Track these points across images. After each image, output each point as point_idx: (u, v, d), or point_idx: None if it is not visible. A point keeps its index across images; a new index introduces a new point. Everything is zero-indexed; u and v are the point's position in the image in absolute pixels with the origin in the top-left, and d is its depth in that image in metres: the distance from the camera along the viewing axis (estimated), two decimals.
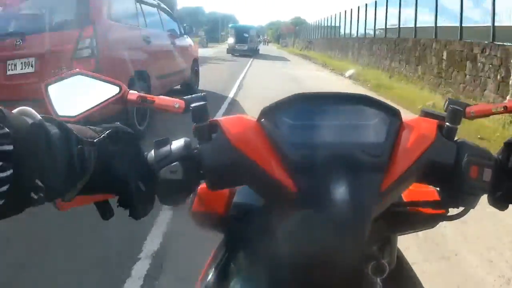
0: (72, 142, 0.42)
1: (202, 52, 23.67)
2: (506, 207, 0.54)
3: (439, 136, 0.52)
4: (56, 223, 2.28)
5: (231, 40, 25.56)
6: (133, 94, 0.58)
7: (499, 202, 0.54)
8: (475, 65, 7.24)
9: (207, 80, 8.97)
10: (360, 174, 0.49)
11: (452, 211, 0.58)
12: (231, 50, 24.47)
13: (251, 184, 0.53)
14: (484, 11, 7.76)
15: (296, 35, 48.87)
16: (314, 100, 0.55)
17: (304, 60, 22.00)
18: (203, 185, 0.56)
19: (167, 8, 6.69)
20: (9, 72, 3.71)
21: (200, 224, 0.68)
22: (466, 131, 4.60)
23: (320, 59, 20.16)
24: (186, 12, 68.37)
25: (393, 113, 0.54)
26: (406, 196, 0.64)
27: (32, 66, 3.69)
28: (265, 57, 23.98)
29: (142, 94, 0.58)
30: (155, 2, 6.03)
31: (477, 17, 8.06)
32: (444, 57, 8.46)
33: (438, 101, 6.85)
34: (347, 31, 19.01)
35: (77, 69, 0.60)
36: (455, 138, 0.53)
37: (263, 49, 34.16)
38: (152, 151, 0.52)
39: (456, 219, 0.58)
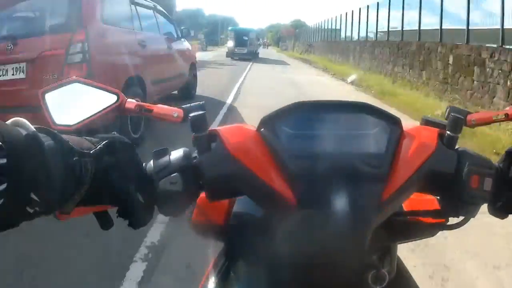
0: (67, 154, 0.41)
1: (201, 55, 23.68)
2: (506, 216, 0.54)
3: (440, 145, 0.52)
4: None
5: (230, 44, 25.34)
6: (131, 103, 0.58)
7: (500, 212, 0.53)
8: (483, 70, 6.92)
9: (205, 85, 8.68)
10: (360, 185, 0.49)
11: (452, 220, 0.58)
12: (231, 54, 24.31)
13: (251, 195, 0.53)
14: (485, 12, 7.67)
15: (296, 38, 48.75)
16: (314, 108, 0.55)
17: (304, 64, 21.65)
18: (202, 195, 0.55)
19: (164, 11, 6.50)
20: (0, 78, 3.60)
21: (200, 233, 0.67)
22: (480, 146, 4.30)
23: (321, 63, 19.79)
24: (186, 14, 68.43)
25: (394, 122, 0.54)
26: (406, 205, 0.64)
27: (23, 71, 3.58)
28: (265, 61, 23.68)
29: (140, 103, 0.58)
30: (151, 4, 5.85)
31: (477, 19, 7.82)
32: (450, 61, 8.13)
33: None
34: (348, 34, 18.74)
35: (74, 77, 0.59)
36: (456, 147, 0.54)
37: (262, 52, 33.87)
38: (151, 161, 0.51)
39: (456, 228, 0.58)
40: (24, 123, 0.39)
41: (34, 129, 0.39)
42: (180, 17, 45.70)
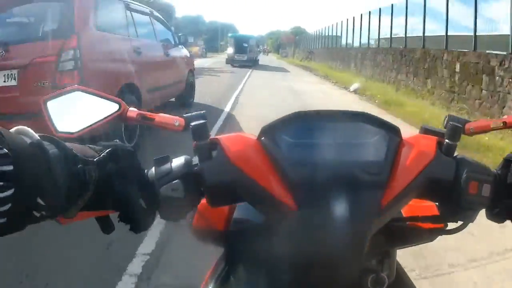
0: (72, 162, 0.42)
1: (200, 62, 23.48)
2: (504, 220, 0.54)
3: (438, 153, 0.53)
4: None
5: (230, 50, 25.07)
6: (133, 112, 0.58)
7: (498, 217, 0.54)
8: (492, 79, 6.62)
9: (202, 93, 8.39)
10: (360, 192, 0.49)
11: (451, 225, 0.58)
12: (230, 61, 24.00)
13: (251, 201, 0.54)
14: (485, 19, 7.47)
15: (296, 45, 48.73)
16: (314, 118, 0.56)
17: (304, 72, 21.32)
18: (203, 201, 0.55)
19: (161, 17, 6.42)
20: None
21: (200, 239, 0.68)
22: (491, 160, 4.00)
23: (322, 70, 19.47)
24: (186, 21, 68.64)
25: (393, 131, 0.54)
26: (405, 210, 0.65)
27: (14, 78, 3.50)
28: (265, 68, 23.43)
29: (142, 111, 0.59)
30: (147, 11, 5.77)
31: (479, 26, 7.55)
32: (457, 69, 7.82)
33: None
34: (349, 41, 18.49)
35: (76, 85, 0.59)
36: (455, 154, 0.54)
37: (262, 59, 33.63)
38: (153, 169, 0.52)
39: (455, 233, 0.59)
40: (28, 132, 0.40)
41: (38, 137, 0.40)
42: (180, 24, 45.77)
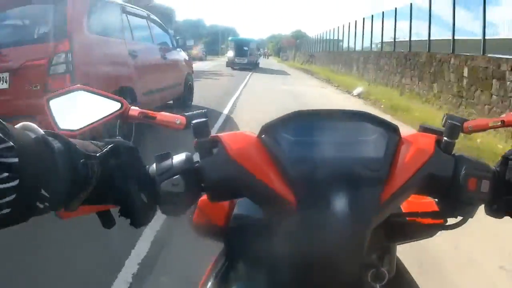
0: (75, 156, 0.43)
1: (199, 65, 23.26)
2: (503, 216, 0.55)
3: (437, 150, 0.53)
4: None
5: (230, 54, 25.16)
6: (134, 110, 0.59)
7: (496, 212, 0.55)
8: (503, 84, 6.33)
9: (199, 97, 8.13)
10: (359, 188, 0.50)
11: (451, 221, 0.58)
12: (231, 64, 24.04)
13: (252, 197, 0.54)
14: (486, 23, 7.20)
15: (297, 49, 48.61)
16: (314, 117, 0.57)
17: (305, 75, 21.07)
18: (203, 197, 0.56)
19: (159, 20, 6.39)
20: None
21: (200, 234, 0.69)
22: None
23: (323, 73, 19.18)
24: (187, 24, 68.82)
25: (392, 129, 0.55)
26: (405, 206, 0.65)
27: (6, 82, 3.44)
28: (265, 71, 23.27)
29: (143, 110, 0.59)
30: (144, 14, 5.74)
31: (477, 30, 7.39)
32: (465, 74, 7.55)
33: None
34: (351, 44, 18.26)
35: (78, 85, 0.60)
36: (453, 152, 0.55)
37: (263, 62, 33.62)
38: (154, 165, 0.53)
39: (454, 228, 0.59)
40: (33, 127, 0.41)
41: (43, 133, 0.41)
42: (181, 28, 45.73)
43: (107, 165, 0.47)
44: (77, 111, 0.58)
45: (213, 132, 0.56)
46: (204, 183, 0.52)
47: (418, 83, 9.91)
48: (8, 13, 3.89)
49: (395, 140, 0.54)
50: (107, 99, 0.59)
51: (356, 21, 17.04)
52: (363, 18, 15.85)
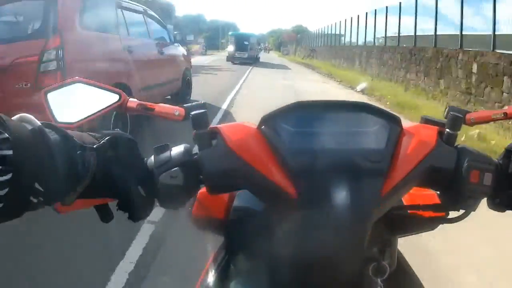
0: (72, 148, 0.43)
1: (199, 60, 23.03)
2: (505, 210, 0.55)
3: (439, 142, 0.53)
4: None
5: (231, 48, 24.99)
6: (133, 102, 0.59)
7: (499, 206, 0.54)
8: None
9: (196, 93, 7.85)
10: (360, 179, 0.49)
11: (453, 214, 0.58)
12: (231, 58, 23.92)
13: (251, 189, 0.54)
14: (485, 18, 7.22)
15: (297, 43, 48.37)
16: (315, 107, 0.56)
17: (307, 70, 20.72)
18: (202, 190, 0.56)
19: (156, 15, 6.28)
20: None
21: (200, 227, 0.68)
22: None
23: (325, 68, 18.85)
24: (187, 19, 68.64)
25: (394, 120, 0.54)
26: (406, 199, 0.65)
27: None
28: (265, 65, 22.98)
29: (142, 102, 0.59)
30: (140, 9, 5.61)
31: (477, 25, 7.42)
32: (474, 70, 7.27)
33: (482, 128, 5.51)
34: (353, 39, 17.94)
35: (77, 77, 0.59)
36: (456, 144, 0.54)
37: (263, 57, 33.40)
38: (152, 157, 0.52)
39: (456, 221, 0.58)
40: (30, 119, 0.40)
41: (40, 124, 0.40)
42: (181, 23, 45.41)
43: (105, 157, 0.46)
44: (75, 103, 0.58)
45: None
46: (203, 175, 0.51)
47: (424, 78, 9.61)
48: None
49: (397, 131, 0.53)
50: (105, 91, 0.58)
51: (358, 15, 16.74)
52: (366, 13, 15.54)
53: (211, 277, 0.64)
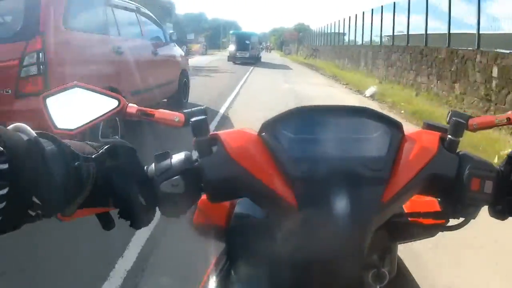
0: (69, 159, 0.42)
1: (198, 60, 22.50)
2: (507, 217, 0.54)
3: (441, 149, 0.53)
4: None
5: (232, 48, 24.67)
6: (132, 108, 0.58)
7: (500, 214, 0.53)
8: None
9: (191, 97, 7.29)
10: (361, 187, 0.49)
11: (453, 221, 0.58)
12: (232, 58, 23.63)
13: (252, 197, 0.54)
14: (491, 17, 6.97)
15: (299, 42, 47.91)
16: (315, 113, 0.56)
17: (310, 71, 19.96)
18: (203, 197, 0.56)
19: (150, 13, 6.06)
20: None
21: (201, 235, 0.68)
22: None
23: (328, 69, 18.10)
24: (188, 18, 68.40)
25: (395, 126, 0.54)
26: (407, 206, 0.64)
27: None
28: (267, 65, 22.43)
29: (141, 107, 0.59)
30: (133, 7, 5.36)
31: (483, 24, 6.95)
32: (495, 74, 6.62)
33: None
34: (358, 38, 17.32)
35: (75, 82, 0.59)
36: (457, 150, 0.54)
37: (265, 57, 32.78)
38: (152, 165, 0.52)
39: (456, 229, 0.58)
40: (25, 129, 0.40)
41: (36, 135, 0.40)
42: (182, 21, 44.93)
43: (104, 167, 0.46)
44: (74, 109, 0.57)
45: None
46: (203, 183, 0.51)
47: (437, 82, 8.94)
48: None
49: (398, 137, 0.53)
50: (104, 96, 0.58)
51: (364, 12, 16.07)
52: (372, 9, 14.88)
53: (212, 284, 0.64)
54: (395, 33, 12.64)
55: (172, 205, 0.50)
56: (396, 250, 0.62)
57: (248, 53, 23.52)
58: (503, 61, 6.41)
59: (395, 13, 12.38)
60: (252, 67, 19.36)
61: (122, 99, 0.58)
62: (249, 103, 8.10)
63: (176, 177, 0.49)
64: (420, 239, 0.65)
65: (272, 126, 0.53)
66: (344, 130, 0.55)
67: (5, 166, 0.34)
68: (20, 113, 2.98)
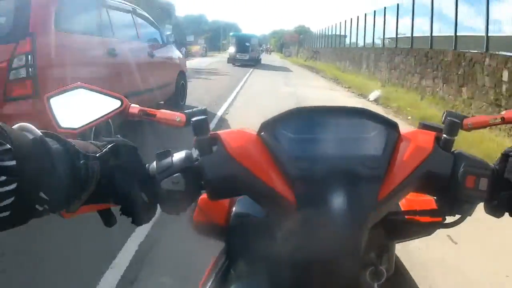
0: (74, 157, 0.44)
1: (197, 62, 22.29)
2: (502, 214, 0.55)
3: (436, 148, 0.54)
4: None
5: (232, 50, 24.58)
6: (134, 108, 0.60)
7: (496, 210, 0.54)
8: None
9: (188, 100, 7.03)
10: (357, 185, 0.50)
11: (449, 219, 0.58)
12: (232, 60, 23.57)
13: (251, 195, 0.54)
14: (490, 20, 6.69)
15: (300, 44, 47.81)
16: (314, 113, 0.57)
17: (310, 73, 19.69)
18: (203, 196, 0.57)
19: (147, 15, 5.92)
20: None
21: (201, 233, 0.69)
22: None
23: (329, 72, 17.83)
24: (188, 20, 68.54)
25: (391, 126, 0.55)
26: (403, 205, 0.66)
27: None
28: (267, 67, 22.25)
29: (143, 108, 0.60)
30: (128, 7, 5.23)
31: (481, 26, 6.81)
32: (505, 78, 6.32)
33: None
34: (359, 40, 17.10)
35: (79, 82, 0.60)
36: (452, 149, 0.55)
37: (265, 59, 32.54)
38: (154, 163, 0.53)
39: (452, 226, 0.58)
40: (31, 128, 0.41)
41: (41, 134, 0.41)
42: (182, 23, 44.87)
43: (108, 165, 0.47)
44: (78, 109, 0.58)
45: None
46: (203, 181, 0.52)
47: (443, 85, 8.65)
48: None
49: (394, 137, 0.54)
50: (107, 96, 0.59)
51: (366, 14, 15.82)
52: (374, 11, 14.61)
53: (211, 283, 0.64)
54: (392, 36, 12.39)
55: (172, 202, 0.51)
56: (393, 249, 0.63)
57: (248, 55, 23.45)
58: None
59: (399, 15, 12.13)
60: (251, 69, 19.16)
61: (125, 99, 0.59)
62: (247, 108, 7.74)
63: (177, 174, 0.50)
64: (417, 238, 0.66)
65: (271, 126, 0.54)
66: (342, 130, 0.56)
67: (13, 162, 0.35)
68: (8, 117, 2.86)
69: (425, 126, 0.57)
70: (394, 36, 12.64)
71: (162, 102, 6.00)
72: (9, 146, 0.35)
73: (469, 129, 0.58)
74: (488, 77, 6.83)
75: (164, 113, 0.59)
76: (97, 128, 3.42)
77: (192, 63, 19.11)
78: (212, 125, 5.75)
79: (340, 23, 21.30)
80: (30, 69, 3.04)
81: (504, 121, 0.59)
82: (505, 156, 0.54)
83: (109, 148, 0.48)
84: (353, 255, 0.51)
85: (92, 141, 0.49)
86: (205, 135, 0.53)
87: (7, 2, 3.27)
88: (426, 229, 0.63)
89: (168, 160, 0.52)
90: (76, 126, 0.57)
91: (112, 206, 0.51)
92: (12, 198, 0.35)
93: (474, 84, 7.28)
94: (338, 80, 14.34)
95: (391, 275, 0.59)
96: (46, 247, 2.27)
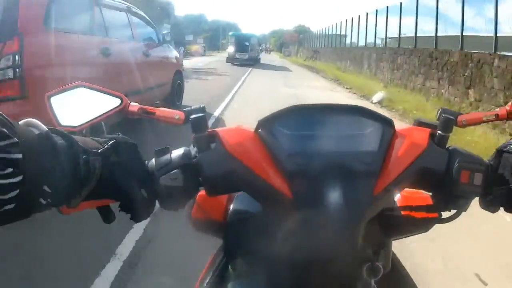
0: (78, 153, 0.44)
1: (195, 62, 22.03)
2: (497, 209, 0.55)
3: (431, 144, 0.54)
4: None
5: (231, 49, 24.53)
6: (134, 106, 0.60)
7: (490, 205, 0.55)
8: None
9: (185, 100, 6.77)
10: (353, 180, 0.51)
11: (445, 214, 0.59)
12: (231, 60, 23.56)
13: (249, 191, 0.55)
14: (486, 19, 6.81)
15: (299, 44, 47.61)
16: (310, 111, 0.58)
17: (310, 73, 19.40)
18: (201, 193, 0.58)
19: (142, 13, 5.80)
20: None
21: (199, 230, 0.71)
22: None
23: (330, 72, 17.54)
24: (188, 20, 68.48)
25: (387, 123, 0.56)
26: (399, 201, 0.66)
27: None
28: (266, 67, 22.12)
29: (143, 106, 0.60)
30: (123, 6, 5.10)
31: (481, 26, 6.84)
32: None
33: None
34: (360, 40, 16.85)
35: (79, 81, 0.61)
36: (447, 146, 0.55)
37: (264, 58, 32.54)
38: (153, 160, 0.54)
39: (448, 221, 0.59)
40: (37, 124, 0.42)
41: (47, 129, 0.42)
42: (182, 23, 44.70)
43: (108, 161, 0.48)
44: (78, 107, 0.59)
45: None
46: (202, 178, 0.53)
47: (448, 87, 8.38)
48: None
49: (390, 133, 0.55)
50: (107, 95, 0.59)
51: (367, 13, 15.57)
52: (376, 10, 14.36)
53: (209, 280, 0.65)
54: (394, 36, 12.15)
55: (171, 199, 0.52)
56: (390, 246, 0.64)
57: (247, 54, 23.41)
58: None
59: (401, 15, 11.89)
60: (250, 69, 18.98)
61: (124, 98, 0.59)
62: (244, 109, 7.40)
63: (175, 170, 0.51)
64: (414, 234, 0.66)
65: (268, 123, 0.55)
66: (338, 127, 0.57)
67: (20, 155, 0.35)
68: None
69: (420, 123, 0.58)
70: (395, 36, 12.39)
71: (158, 102, 5.83)
72: (17, 140, 0.36)
73: (463, 125, 0.59)
74: (497, 79, 6.56)
75: (163, 111, 0.60)
76: (93, 128, 3.30)
77: (190, 63, 18.86)
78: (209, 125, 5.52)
79: (341, 22, 21.10)
80: (17, 70, 2.96)
81: (498, 117, 0.59)
82: (500, 152, 0.55)
83: (110, 144, 0.49)
84: (349, 251, 0.51)
85: (93, 138, 0.49)
86: (203, 132, 0.54)
87: None
88: (422, 225, 0.63)
89: (166, 157, 0.52)
90: (76, 124, 0.57)
91: (111, 203, 0.51)
92: (17, 191, 0.36)
93: (482, 86, 7.01)
94: (339, 81, 14.05)
95: (388, 272, 0.61)
96: (45, 247, 2.28)
